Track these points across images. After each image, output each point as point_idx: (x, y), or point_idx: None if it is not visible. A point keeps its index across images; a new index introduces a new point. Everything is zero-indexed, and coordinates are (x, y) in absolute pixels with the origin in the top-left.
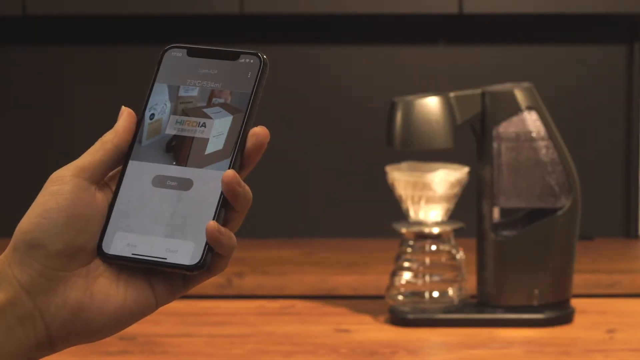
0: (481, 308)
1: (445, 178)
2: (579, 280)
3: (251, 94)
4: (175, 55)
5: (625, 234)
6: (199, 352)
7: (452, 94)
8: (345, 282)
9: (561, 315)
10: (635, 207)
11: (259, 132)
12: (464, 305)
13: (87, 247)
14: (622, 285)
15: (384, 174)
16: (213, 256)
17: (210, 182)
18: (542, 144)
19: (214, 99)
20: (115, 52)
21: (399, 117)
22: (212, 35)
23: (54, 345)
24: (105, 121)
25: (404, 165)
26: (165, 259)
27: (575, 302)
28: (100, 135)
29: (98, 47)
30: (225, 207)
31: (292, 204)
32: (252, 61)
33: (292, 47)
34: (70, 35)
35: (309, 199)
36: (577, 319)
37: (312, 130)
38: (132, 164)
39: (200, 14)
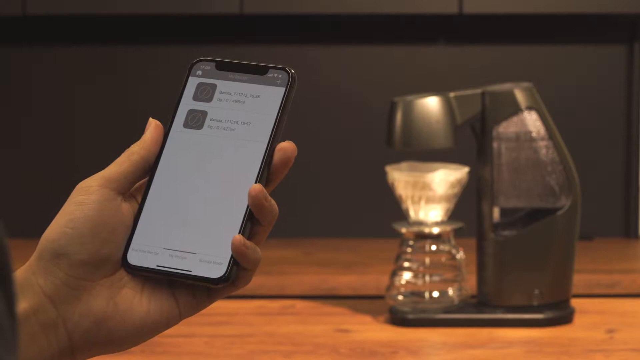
0: (481, 308)
1: (445, 178)
2: (579, 280)
3: (279, 109)
4: (203, 69)
5: (625, 234)
6: (199, 352)
7: (452, 94)
8: (345, 282)
9: (561, 315)
10: (635, 207)
11: (286, 147)
12: (464, 305)
13: (112, 258)
14: (622, 285)
15: (384, 174)
16: (238, 269)
17: (237, 196)
18: (542, 144)
19: (241, 113)
20: (115, 52)
21: (399, 117)
22: (212, 35)
23: (75, 354)
24: (105, 121)
25: (404, 165)
26: (190, 271)
27: (575, 302)
28: (99, 135)
29: (98, 47)
30: (251, 221)
31: (292, 204)
32: (280, 76)
33: (292, 47)
34: (70, 35)
35: (309, 199)
36: (577, 319)
37: (312, 130)
38: (158, 176)
39: (200, 14)
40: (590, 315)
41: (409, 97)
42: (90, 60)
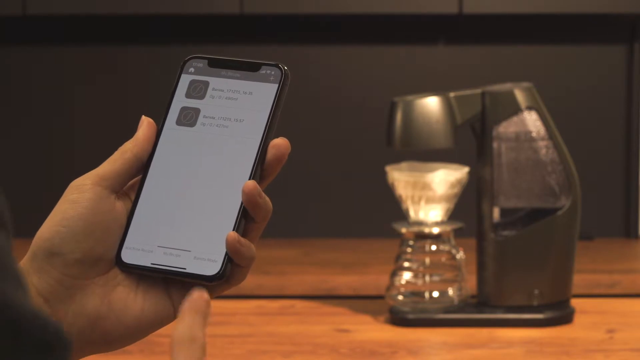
0: (481, 308)
1: (445, 178)
2: (579, 280)
3: (272, 106)
4: (196, 66)
5: (625, 234)
6: None
7: (452, 94)
8: (345, 282)
9: (561, 315)
10: (636, 207)
11: (279, 144)
12: (464, 305)
13: (106, 256)
14: (622, 285)
15: (384, 174)
16: (232, 267)
17: (231, 192)
18: (542, 144)
19: (234, 110)
20: (115, 52)
21: (399, 117)
22: (212, 35)
23: (70, 353)
24: (105, 121)
25: (404, 165)
26: (185, 269)
27: (575, 302)
28: (99, 135)
29: (98, 47)
30: (245, 218)
31: (292, 204)
32: (273, 72)
33: (292, 47)
34: (70, 35)
35: (309, 199)
36: (577, 319)
37: (312, 130)
38: (151, 173)
39: (200, 14)
40: (590, 315)
41: (409, 97)
42: (90, 60)
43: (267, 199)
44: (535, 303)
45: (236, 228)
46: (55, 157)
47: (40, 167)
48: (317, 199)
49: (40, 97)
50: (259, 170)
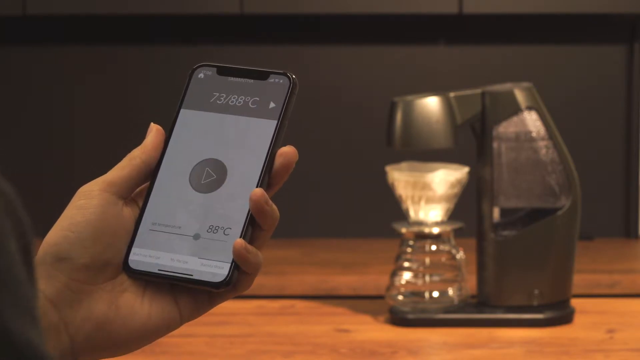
0: (481, 308)
1: (445, 178)
2: (579, 280)
3: (280, 114)
4: (205, 74)
5: (625, 234)
6: (199, 352)
7: (452, 94)
8: (345, 282)
9: (561, 315)
10: (635, 207)
11: (287, 152)
12: (464, 305)
13: (114, 262)
14: (622, 285)
15: (384, 174)
16: (239, 274)
17: (238, 200)
18: (542, 144)
19: (242, 118)
20: (115, 52)
21: (399, 117)
22: (212, 35)
23: (77, 358)
24: (105, 121)
25: (404, 165)
26: (191, 275)
27: (575, 302)
28: (99, 135)
29: (98, 47)
30: (252, 225)
31: (292, 204)
32: (281, 81)
33: (292, 47)
34: (70, 35)
35: (309, 199)
36: (577, 319)
37: (312, 130)
38: (159, 181)
39: (200, 14)
40: (590, 315)
41: (409, 97)
42: (90, 60)
43: (274, 207)
44: (535, 303)
45: (243, 235)
46: (55, 157)
47: (40, 167)
48: (317, 199)
49: (40, 97)
50: (267, 178)
